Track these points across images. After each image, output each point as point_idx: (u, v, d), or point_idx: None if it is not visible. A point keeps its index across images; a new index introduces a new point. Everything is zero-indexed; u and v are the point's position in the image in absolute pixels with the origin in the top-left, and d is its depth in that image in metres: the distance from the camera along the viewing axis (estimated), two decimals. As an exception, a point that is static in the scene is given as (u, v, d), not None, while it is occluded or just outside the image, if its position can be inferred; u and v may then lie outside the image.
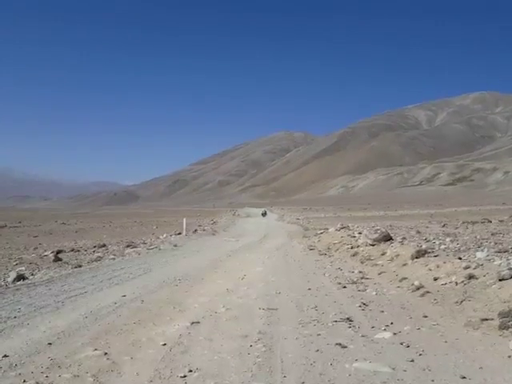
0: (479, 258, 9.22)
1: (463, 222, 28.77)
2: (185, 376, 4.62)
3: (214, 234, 28.18)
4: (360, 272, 10.93)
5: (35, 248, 20.16)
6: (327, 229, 24.87)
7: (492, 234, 18.12)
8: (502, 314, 5.79)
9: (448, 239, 15.34)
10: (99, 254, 16.24)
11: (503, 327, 5.64)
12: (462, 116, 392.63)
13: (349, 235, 19.23)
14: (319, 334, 5.92)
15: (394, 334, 5.85)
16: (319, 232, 24.54)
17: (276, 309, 7.43)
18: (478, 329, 5.85)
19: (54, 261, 14.45)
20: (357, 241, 16.59)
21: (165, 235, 25.11)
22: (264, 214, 64.34)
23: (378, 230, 16.10)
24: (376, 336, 5.79)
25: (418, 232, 20.80)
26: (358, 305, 7.52)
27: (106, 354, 5.28)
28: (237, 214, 71.92)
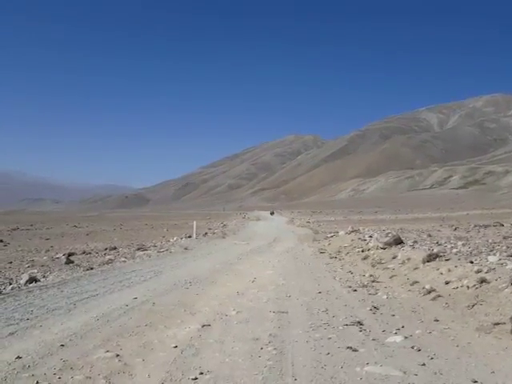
0: (491, 262, 9.14)
1: (475, 226, 28.57)
2: (196, 378, 4.64)
3: (224, 237, 28.17)
4: (371, 275, 10.89)
5: (47, 250, 20.31)
6: (337, 232, 24.80)
7: (504, 238, 17.96)
8: (514, 319, 5.75)
9: (460, 243, 15.23)
10: (110, 257, 16.31)
11: (516, 331, 5.60)
12: (473, 119, 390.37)
13: (359, 238, 19.15)
14: (330, 338, 5.92)
15: (406, 337, 5.83)
16: (329, 235, 24.49)
17: (286, 312, 7.43)
18: (489, 333, 5.82)
19: (66, 263, 14.55)
20: (367, 244, 16.52)
21: (175, 238, 25.17)
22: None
23: (389, 233, 16.04)
24: (387, 340, 5.78)
25: (430, 235, 20.68)
26: (368, 308, 7.50)
27: (117, 355, 5.32)
28: (247, 217, 71.89)
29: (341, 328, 6.38)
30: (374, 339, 5.82)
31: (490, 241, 16.50)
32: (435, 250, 11.77)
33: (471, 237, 19.44)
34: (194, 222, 29.59)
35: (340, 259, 15.03)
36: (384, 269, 11.75)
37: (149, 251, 18.36)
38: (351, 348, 5.45)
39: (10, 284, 10.47)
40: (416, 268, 10.52)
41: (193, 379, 4.62)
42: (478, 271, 8.22)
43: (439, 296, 7.84)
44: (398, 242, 15.12)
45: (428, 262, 10.46)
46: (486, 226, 27.57)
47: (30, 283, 10.38)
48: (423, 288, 8.58)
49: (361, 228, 25.98)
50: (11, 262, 15.59)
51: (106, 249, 19.73)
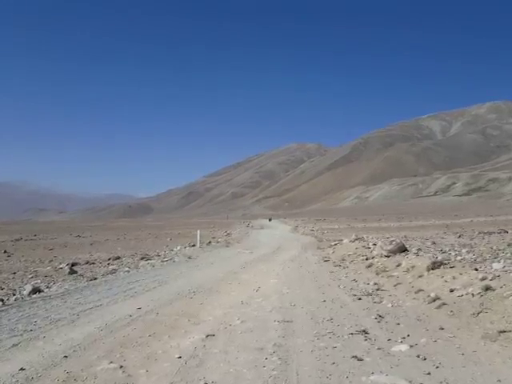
0: (496, 269, 9.10)
1: (479, 233, 28.44)
2: (200, 389, 4.62)
3: (227, 246, 28.13)
4: (375, 284, 10.84)
5: (50, 261, 20.32)
6: (342, 240, 24.74)
7: (508, 245, 17.86)
8: (520, 326, 5.71)
9: (464, 250, 15.17)
10: (114, 267, 16.31)
11: (522, 339, 5.55)
12: (476, 126, 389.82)
13: (363, 246, 19.10)
14: (335, 347, 5.89)
15: (411, 346, 5.79)
16: (333, 243, 24.41)
17: (291, 321, 7.39)
18: (495, 341, 5.77)
19: (69, 273, 14.54)
20: (371, 252, 16.48)
21: (179, 247, 25.15)
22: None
23: (393, 241, 15.98)
24: (392, 348, 5.74)
25: (434, 243, 20.61)
26: (373, 317, 7.46)
27: (121, 367, 5.30)
28: (250, 225, 71.79)
29: (346, 337, 6.35)
30: (379, 348, 5.78)
31: (495, 248, 16.41)
32: (439, 258, 11.73)
33: (475, 244, 19.36)
34: (198, 231, 29.55)
35: (344, 267, 14.97)
36: (388, 277, 11.70)
37: (152, 261, 18.34)
38: (356, 357, 5.42)
39: (14, 295, 10.47)
40: (420, 276, 10.47)
41: (197, 390, 4.60)
42: (483, 278, 8.19)
43: (444, 304, 7.79)
44: (402, 249, 15.08)
45: (432, 269, 10.42)
46: (490, 233, 27.45)
47: (34, 294, 10.37)
48: (428, 296, 8.53)
49: (365, 236, 25.93)
50: (15, 273, 15.60)
51: (109, 258, 19.72)
